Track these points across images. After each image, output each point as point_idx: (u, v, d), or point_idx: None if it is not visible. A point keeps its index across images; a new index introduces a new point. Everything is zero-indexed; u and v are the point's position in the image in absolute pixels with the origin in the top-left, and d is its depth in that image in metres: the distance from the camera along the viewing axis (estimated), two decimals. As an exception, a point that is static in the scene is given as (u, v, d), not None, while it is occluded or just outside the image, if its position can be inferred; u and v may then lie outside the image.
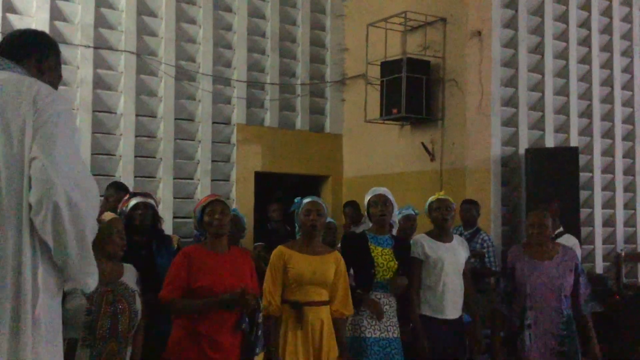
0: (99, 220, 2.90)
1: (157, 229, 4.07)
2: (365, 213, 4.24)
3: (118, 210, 3.88)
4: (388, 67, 7.42)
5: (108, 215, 3.08)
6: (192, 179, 7.51)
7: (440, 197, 4.20)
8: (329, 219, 4.86)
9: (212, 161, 7.62)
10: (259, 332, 3.28)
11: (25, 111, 1.94)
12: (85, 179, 1.98)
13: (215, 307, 3.19)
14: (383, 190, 4.05)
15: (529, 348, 3.82)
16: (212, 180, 7.59)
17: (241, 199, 7.67)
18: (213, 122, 7.64)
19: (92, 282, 2.01)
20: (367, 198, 4.06)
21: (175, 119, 7.39)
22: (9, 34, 2.27)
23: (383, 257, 3.89)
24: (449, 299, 4.07)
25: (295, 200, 3.81)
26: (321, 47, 8.59)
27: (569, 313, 3.90)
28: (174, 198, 7.30)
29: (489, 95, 6.98)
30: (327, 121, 8.61)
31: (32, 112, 1.93)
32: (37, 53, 2.17)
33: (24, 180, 1.88)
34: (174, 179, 7.34)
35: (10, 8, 6.51)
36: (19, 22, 6.36)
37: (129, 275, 3.06)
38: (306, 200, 3.70)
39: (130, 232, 3.66)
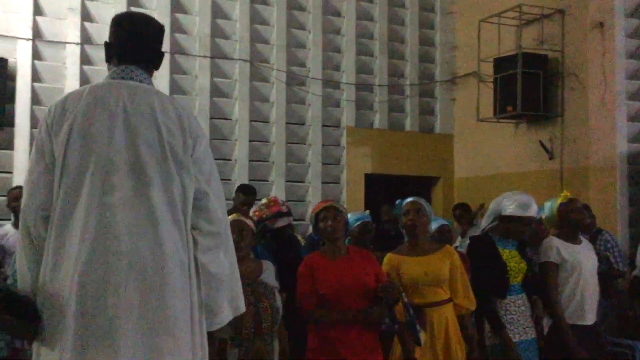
0: None
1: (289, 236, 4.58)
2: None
3: (256, 218, 4.12)
4: (502, 64, 7.19)
5: (231, 217, 3.13)
6: (303, 181, 7.64)
7: (571, 197, 3.99)
8: (442, 221, 4.75)
9: (323, 164, 7.71)
10: (416, 324, 3.23)
11: (168, 127, 2.06)
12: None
13: (351, 322, 3.19)
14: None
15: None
16: (322, 182, 7.68)
17: (351, 201, 7.69)
18: (323, 126, 7.74)
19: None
20: (508, 201, 3.78)
21: (287, 123, 7.56)
22: (135, 22, 2.18)
23: (513, 259, 3.73)
24: (589, 304, 3.85)
25: (397, 202, 3.75)
26: (430, 46, 8.46)
27: None
28: (287, 200, 7.45)
29: (613, 89, 6.60)
30: (437, 121, 8.46)
31: (177, 129, 2.06)
32: (159, 57, 2.22)
33: (186, 202, 2.06)
34: (286, 181, 7.51)
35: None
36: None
37: (268, 272, 3.13)
38: (406, 200, 3.65)
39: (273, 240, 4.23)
